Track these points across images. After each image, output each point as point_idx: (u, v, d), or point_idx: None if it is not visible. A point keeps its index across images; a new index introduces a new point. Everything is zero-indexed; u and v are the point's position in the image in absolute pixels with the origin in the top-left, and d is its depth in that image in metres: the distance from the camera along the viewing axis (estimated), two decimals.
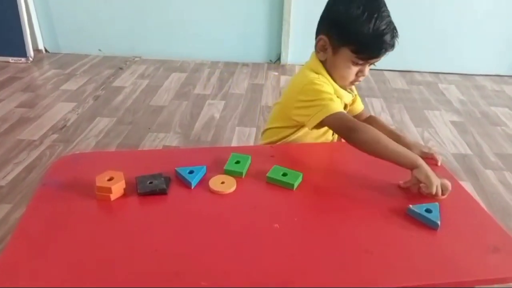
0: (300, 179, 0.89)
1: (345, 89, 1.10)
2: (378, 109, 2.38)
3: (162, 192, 0.84)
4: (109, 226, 0.78)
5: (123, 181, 0.84)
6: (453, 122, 2.25)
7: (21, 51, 2.85)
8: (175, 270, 0.67)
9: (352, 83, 1.07)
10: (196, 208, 0.83)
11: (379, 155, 0.89)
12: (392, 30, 0.98)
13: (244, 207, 0.83)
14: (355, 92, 1.18)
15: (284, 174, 0.89)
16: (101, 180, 0.83)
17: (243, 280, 0.65)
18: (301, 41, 2.90)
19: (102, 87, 2.54)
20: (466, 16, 2.84)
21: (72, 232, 0.75)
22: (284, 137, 1.13)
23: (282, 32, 2.94)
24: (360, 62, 1.00)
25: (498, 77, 2.94)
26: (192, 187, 0.87)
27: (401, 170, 0.95)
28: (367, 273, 0.68)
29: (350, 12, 0.96)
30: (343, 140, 1.00)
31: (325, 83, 1.03)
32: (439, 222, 0.76)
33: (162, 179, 0.86)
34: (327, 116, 0.96)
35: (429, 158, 0.99)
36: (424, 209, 0.79)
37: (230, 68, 2.89)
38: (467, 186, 1.65)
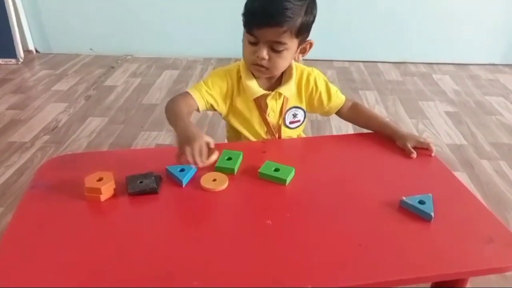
0: (292, 174, 0.88)
1: (259, 76, 1.04)
2: (372, 101, 2.37)
3: (153, 191, 0.83)
4: (100, 227, 0.77)
5: (113, 181, 0.83)
6: (447, 113, 2.24)
7: (11, 52, 2.82)
8: (167, 270, 0.66)
9: (254, 66, 0.99)
10: (187, 206, 0.82)
11: (169, 121, 0.97)
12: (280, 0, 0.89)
13: (236, 204, 0.82)
14: (322, 89, 1.10)
15: (276, 170, 0.88)
16: (90, 181, 0.82)
17: (236, 279, 0.65)
18: None
19: (93, 87, 2.52)
20: (460, 5, 2.83)
21: (62, 234, 0.74)
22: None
23: None
24: (252, 39, 0.94)
25: (492, 66, 2.93)
26: (183, 186, 0.85)
27: (394, 162, 0.95)
28: (361, 267, 0.67)
29: None
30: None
31: (221, 78, 1.05)
32: (432, 214, 0.75)
33: (153, 178, 0.85)
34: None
35: (424, 149, 0.98)
36: (417, 200, 0.78)
37: (223, 64, 2.83)
38: (463, 176, 1.65)
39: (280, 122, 1.10)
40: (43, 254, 0.69)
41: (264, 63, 0.97)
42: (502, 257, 0.71)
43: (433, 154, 0.97)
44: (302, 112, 1.12)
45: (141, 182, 0.84)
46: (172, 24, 2.96)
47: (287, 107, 1.09)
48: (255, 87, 1.04)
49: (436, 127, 2.08)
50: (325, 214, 0.79)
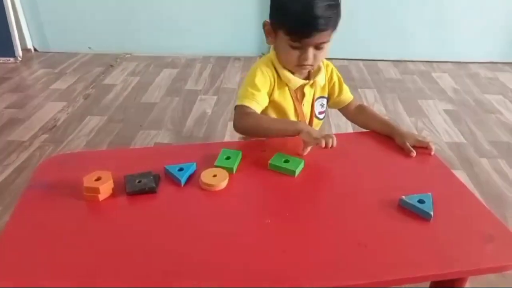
0: (302, 166, 0.89)
1: (300, 73, 1.06)
2: (372, 99, 2.36)
3: (152, 191, 0.83)
4: (98, 226, 0.77)
5: (111, 181, 0.82)
6: (447, 111, 2.24)
7: (9, 51, 2.81)
8: (166, 270, 0.66)
9: (298, 67, 1.01)
10: (186, 206, 0.82)
11: (265, 135, 0.99)
12: (325, 5, 0.90)
13: (235, 203, 0.82)
14: (336, 80, 1.14)
15: (286, 161, 0.89)
16: (88, 180, 0.81)
17: (235, 278, 0.64)
18: None
19: (92, 86, 2.51)
20: (459, 3, 2.82)
21: (60, 233, 0.73)
22: None
23: None
24: (296, 44, 0.95)
25: (492, 64, 2.93)
26: (182, 185, 0.85)
27: (394, 161, 0.94)
28: (361, 266, 0.67)
29: None
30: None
31: (263, 74, 1.03)
32: (431, 213, 0.75)
33: (151, 177, 0.85)
34: (237, 105, 1.02)
35: (423, 147, 0.98)
36: (417, 199, 0.78)
37: (222, 62, 2.87)
38: (462, 175, 1.65)
39: (312, 112, 1.13)
40: (41, 254, 0.69)
41: (310, 62, 0.98)
42: (501, 256, 0.70)
43: (432, 153, 0.97)
44: (326, 101, 1.15)
45: (139, 182, 0.83)
46: (170, 22, 2.96)
47: (316, 97, 1.12)
48: (295, 78, 1.05)
49: (435, 126, 2.08)
50: (324, 213, 0.79)
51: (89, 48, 3.05)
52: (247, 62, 2.87)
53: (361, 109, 1.16)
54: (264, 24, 1.02)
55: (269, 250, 0.70)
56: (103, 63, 2.85)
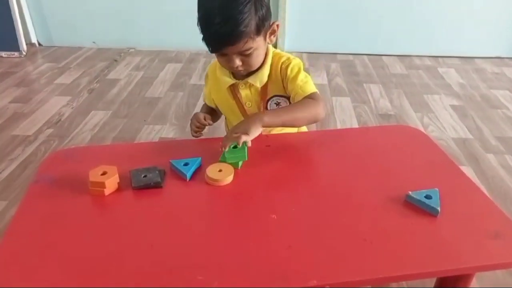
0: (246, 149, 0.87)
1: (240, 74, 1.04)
2: (377, 95, 2.35)
3: (157, 186, 0.83)
4: (104, 221, 0.77)
5: (117, 175, 0.82)
6: (453, 106, 2.22)
7: (13, 45, 2.81)
8: (171, 265, 0.66)
9: (234, 71, 1.03)
10: (192, 201, 0.82)
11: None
12: (216, 21, 0.87)
13: (241, 198, 0.82)
14: (290, 74, 1.03)
15: (235, 146, 0.87)
16: (94, 175, 0.81)
17: (240, 273, 0.64)
18: (297, 28, 2.86)
19: (96, 80, 2.51)
20: None
21: (66, 228, 0.74)
22: None
23: (278, 19, 2.89)
24: (218, 54, 0.97)
25: (498, 59, 2.90)
26: (188, 179, 0.85)
27: (400, 157, 0.94)
28: (367, 262, 0.67)
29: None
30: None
31: (205, 82, 1.20)
32: (439, 208, 0.75)
33: (157, 172, 0.85)
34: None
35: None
36: (424, 195, 0.77)
37: None
38: (468, 170, 1.64)
39: (261, 112, 1.07)
40: (47, 248, 0.69)
41: (240, 67, 0.98)
42: (508, 253, 0.70)
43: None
44: (286, 100, 1.08)
45: (145, 176, 0.83)
46: (174, 16, 2.94)
47: (268, 96, 1.07)
48: (225, 77, 1.07)
49: (441, 121, 2.06)
50: (330, 208, 0.78)
51: (93, 42, 3.04)
52: None
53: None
54: None
55: (274, 245, 0.69)
56: (107, 58, 2.85)
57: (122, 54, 2.92)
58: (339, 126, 1.96)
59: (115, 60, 2.82)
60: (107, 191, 0.81)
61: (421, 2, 2.81)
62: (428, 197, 0.77)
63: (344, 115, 2.04)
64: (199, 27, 0.93)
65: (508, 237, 0.71)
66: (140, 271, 0.65)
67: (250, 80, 1.05)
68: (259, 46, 0.96)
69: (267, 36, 0.99)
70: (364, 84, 2.45)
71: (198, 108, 2.27)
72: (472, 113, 2.15)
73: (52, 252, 0.68)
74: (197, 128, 1.13)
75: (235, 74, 1.06)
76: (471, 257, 0.68)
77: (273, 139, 1.04)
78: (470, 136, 1.92)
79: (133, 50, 3.00)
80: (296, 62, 1.05)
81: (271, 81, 1.05)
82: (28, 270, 0.65)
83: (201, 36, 0.94)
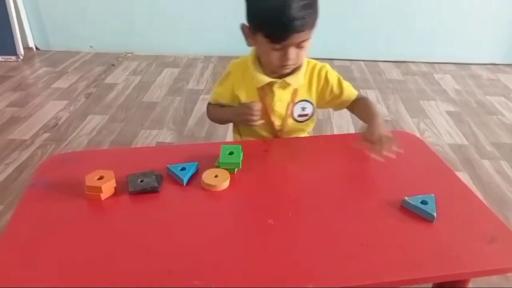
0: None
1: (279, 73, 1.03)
2: (373, 100, 2.33)
3: (154, 190, 0.83)
4: (100, 226, 0.77)
5: (114, 180, 0.82)
6: (449, 112, 2.24)
7: (11, 50, 2.81)
8: (167, 269, 0.65)
9: (281, 68, 1.00)
10: (188, 205, 0.82)
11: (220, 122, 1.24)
12: (299, 5, 0.88)
13: (238, 203, 0.82)
14: (334, 83, 1.09)
15: (231, 153, 0.89)
16: (91, 180, 0.81)
17: (237, 279, 0.64)
18: None
19: (94, 84, 2.51)
20: (461, 5, 2.82)
21: (62, 233, 0.73)
22: None
23: None
24: (276, 46, 0.94)
25: (494, 66, 2.93)
26: (184, 184, 0.85)
27: (396, 162, 0.94)
28: (364, 267, 0.67)
29: None
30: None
31: (222, 86, 1.14)
32: (435, 214, 0.75)
33: (154, 176, 0.84)
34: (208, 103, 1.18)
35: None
36: (420, 201, 0.77)
37: (224, 62, 2.86)
38: (464, 176, 1.65)
39: (287, 113, 1.09)
40: (43, 253, 0.69)
41: (292, 61, 0.98)
42: (504, 258, 0.70)
43: (386, 154, 0.90)
44: (311, 106, 1.11)
45: (141, 181, 0.83)
46: (172, 21, 2.95)
47: (297, 99, 1.09)
48: (262, 75, 1.04)
49: (437, 127, 2.07)
50: (327, 213, 0.78)
51: (91, 47, 3.05)
52: None
53: (359, 102, 1.11)
54: (242, 28, 1.01)
55: (271, 251, 0.69)
56: (104, 62, 2.85)
57: (119, 59, 2.93)
58: (336, 132, 1.97)
59: (113, 65, 2.83)
60: (103, 196, 0.81)
61: (417, 8, 2.83)
62: (424, 202, 0.77)
63: (341, 121, 2.05)
64: (257, 16, 0.94)
65: (503, 243, 0.72)
66: (137, 275, 0.65)
67: (288, 79, 1.05)
68: (311, 39, 0.96)
69: None
70: (361, 90, 2.46)
71: (195, 113, 2.29)
72: (468, 119, 2.17)
73: (48, 256, 0.68)
74: (256, 114, 1.02)
75: (270, 74, 1.05)
76: (467, 263, 0.69)
77: (270, 144, 1.04)
78: (466, 142, 1.93)
79: (130, 54, 3.01)
80: (330, 68, 1.11)
81: (303, 85, 1.08)
82: (24, 274, 0.65)
83: (259, 28, 0.94)
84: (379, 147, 0.90)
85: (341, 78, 1.12)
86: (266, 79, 1.04)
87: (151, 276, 0.64)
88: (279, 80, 1.05)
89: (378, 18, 2.86)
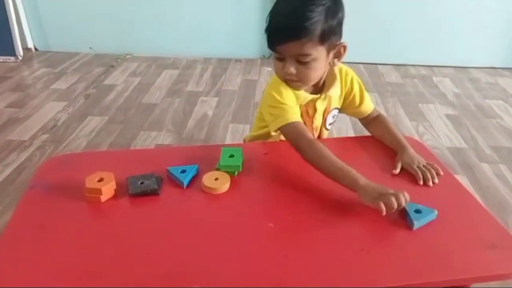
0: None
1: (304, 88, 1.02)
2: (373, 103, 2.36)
3: (154, 193, 0.82)
4: (100, 228, 0.77)
5: (114, 182, 0.82)
6: (448, 116, 2.24)
7: (10, 50, 2.80)
8: (167, 272, 0.65)
9: (286, 81, 0.98)
10: (188, 208, 0.82)
11: (322, 173, 0.87)
12: (289, 13, 0.89)
13: (238, 206, 0.82)
14: (357, 91, 1.09)
15: (231, 156, 0.89)
16: (90, 181, 0.81)
17: (236, 282, 0.64)
18: None
19: (93, 86, 2.51)
20: (460, 8, 2.83)
21: (62, 235, 0.73)
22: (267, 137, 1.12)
23: None
24: (276, 54, 0.94)
25: (493, 69, 2.94)
26: (185, 187, 0.85)
27: (395, 166, 0.94)
28: (364, 272, 0.67)
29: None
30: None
31: (284, 91, 0.98)
32: (413, 225, 0.74)
33: (154, 179, 0.84)
34: (282, 126, 0.96)
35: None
36: (414, 209, 0.76)
37: (223, 64, 2.87)
38: (463, 180, 1.65)
39: (322, 123, 1.10)
40: (42, 255, 0.68)
41: (294, 77, 0.95)
42: (504, 263, 0.70)
43: (434, 181, 0.89)
44: (337, 111, 1.12)
45: (142, 183, 0.83)
46: (172, 23, 2.95)
47: (331, 108, 1.09)
48: (303, 93, 1.01)
49: (436, 130, 2.08)
50: (327, 217, 0.78)
51: (90, 48, 3.04)
52: (248, 64, 2.87)
53: (379, 122, 1.11)
54: None
55: (271, 254, 0.69)
56: (103, 64, 2.85)
57: (119, 60, 2.92)
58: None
59: (112, 66, 2.82)
60: (103, 198, 0.80)
61: (416, 12, 2.84)
62: (417, 211, 0.76)
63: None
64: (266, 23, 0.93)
65: (504, 248, 0.72)
66: (136, 278, 0.64)
67: (330, 93, 1.04)
68: (318, 58, 0.92)
69: (331, 55, 0.96)
70: None
71: (195, 115, 2.29)
72: (466, 122, 2.17)
73: (48, 258, 0.68)
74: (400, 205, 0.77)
75: (307, 90, 1.03)
76: (467, 268, 0.69)
77: (270, 147, 1.04)
78: (465, 145, 1.94)
79: (130, 56, 3.01)
80: (355, 74, 1.11)
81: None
82: (23, 276, 0.64)
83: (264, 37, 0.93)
84: (426, 176, 0.89)
85: (363, 87, 1.11)
86: (309, 96, 1.03)
87: (150, 278, 0.64)
88: (322, 95, 1.04)
89: (376, 22, 2.87)
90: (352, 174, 0.82)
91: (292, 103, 0.98)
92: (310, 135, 0.94)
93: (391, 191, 0.77)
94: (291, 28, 0.88)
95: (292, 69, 0.93)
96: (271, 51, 0.95)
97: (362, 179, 0.80)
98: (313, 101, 1.04)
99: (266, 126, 1.06)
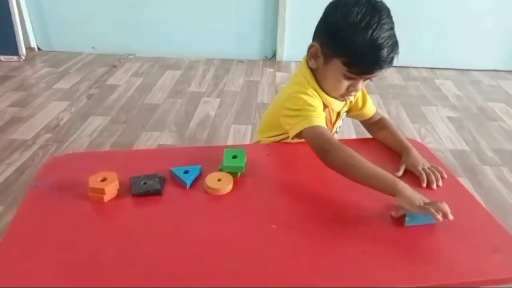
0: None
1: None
2: (375, 105, 2.35)
3: (157, 193, 0.82)
4: (102, 228, 0.77)
5: (117, 182, 0.82)
6: (450, 118, 2.24)
7: (13, 50, 2.82)
8: (170, 272, 0.65)
9: (343, 96, 0.99)
10: (191, 208, 0.81)
11: (354, 180, 0.83)
12: (392, 45, 0.90)
13: (241, 208, 0.82)
14: (360, 94, 1.11)
15: (234, 157, 0.89)
16: (94, 181, 0.81)
17: (239, 283, 0.64)
18: (296, 37, 2.88)
19: (95, 86, 2.51)
20: (462, 11, 2.83)
21: (65, 234, 0.73)
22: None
23: (278, 28, 2.92)
24: (352, 76, 0.92)
25: (495, 72, 2.94)
26: (188, 187, 0.85)
27: (398, 167, 0.94)
28: (366, 274, 0.66)
29: (347, 19, 0.87)
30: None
31: (313, 96, 0.97)
32: (406, 221, 0.74)
33: (157, 179, 0.84)
34: (305, 128, 0.92)
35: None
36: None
37: (225, 65, 2.87)
38: (465, 182, 1.65)
39: (336, 128, 1.13)
40: (45, 254, 0.68)
41: (358, 92, 1.00)
42: (508, 267, 0.70)
43: (438, 184, 0.89)
44: (345, 115, 1.15)
45: (145, 183, 0.83)
46: (174, 24, 2.96)
47: (342, 113, 1.11)
48: (336, 101, 1.03)
49: (438, 132, 2.08)
50: (330, 219, 0.78)
51: (93, 48, 3.05)
52: (250, 65, 2.88)
53: (381, 124, 1.12)
54: (311, 46, 0.97)
55: (273, 256, 0.69)
56: (106, 64, 2.86)
57: (121, 60, 2.93)
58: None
59: (115, 66, 2.83)
60: (106, 198, 0.80)
61: (419, 15, 2.84)
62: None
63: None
64: (342, 43, 0.90)
65: (508, 252, 0.71)
66: (139, 278, 0.64)
67: (351, 98, 1.07)
68: None
69: None
70: None
71: (197, 115, 2.29)
72: (468, 125, 2.17)
73: (50, 257, 0.68)
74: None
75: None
76: (471, 272, 0.68)
77: (273, 148, 1.04)
78: (467, 148, 1.94)
79: (132, 56, 3.01)
80: None
81: None
82: (25, 275, 0.64)
83: (345, 56, 0.90)
84: (430, 178, 0.89)
85: (365, 90, 1.11)
86: (341, 103, 1.05)
87: (153, 278, 0.64)
88: (347, 103, 1.07)
89: None
90: (389, 176, 0.81)
91: (320, 109, 0.97)
92: (336, 140, 0.91)
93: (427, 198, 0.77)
94: (392, 61, 0.91)
95: (362, 87, 0.98)
96: (348, 72, 0.91)
97: (401, 183, 0.79)
98: (341, 108, 1.07)
99: (280, 135, 1.06)
